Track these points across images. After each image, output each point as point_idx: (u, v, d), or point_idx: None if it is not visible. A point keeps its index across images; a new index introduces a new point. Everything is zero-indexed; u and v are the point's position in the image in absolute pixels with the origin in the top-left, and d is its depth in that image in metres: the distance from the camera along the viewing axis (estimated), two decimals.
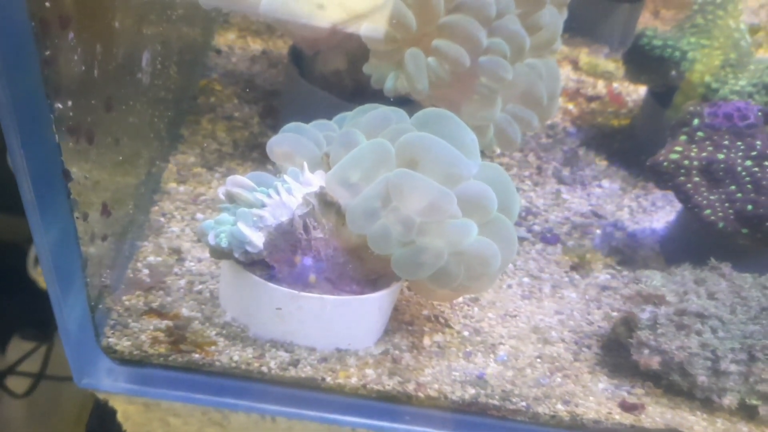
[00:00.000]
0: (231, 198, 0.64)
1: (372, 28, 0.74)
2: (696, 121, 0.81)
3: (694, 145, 0.80)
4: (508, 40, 0.74)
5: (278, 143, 0.66)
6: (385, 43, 0.74)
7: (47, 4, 0.44)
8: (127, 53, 0.64)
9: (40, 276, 1.31)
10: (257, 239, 0.62)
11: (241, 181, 0.64)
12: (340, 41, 0.81)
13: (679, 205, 0.86)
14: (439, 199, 0.60)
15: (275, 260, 0.63)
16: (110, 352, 0.66)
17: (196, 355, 0.66)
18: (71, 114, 0.52)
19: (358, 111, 0.67)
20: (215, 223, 0.63)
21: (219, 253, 0.64)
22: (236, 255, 0.63)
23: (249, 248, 0.62)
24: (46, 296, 1.29)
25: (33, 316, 1.31)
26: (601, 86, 1.11)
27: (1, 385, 1.29)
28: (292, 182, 0.63)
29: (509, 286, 0.80)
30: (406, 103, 0.74)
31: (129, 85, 0.66)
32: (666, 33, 0.94)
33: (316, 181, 0.64)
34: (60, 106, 0.50)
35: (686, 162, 0.79)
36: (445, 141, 0.62)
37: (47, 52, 0.46)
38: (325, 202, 0.63)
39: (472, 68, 0.74)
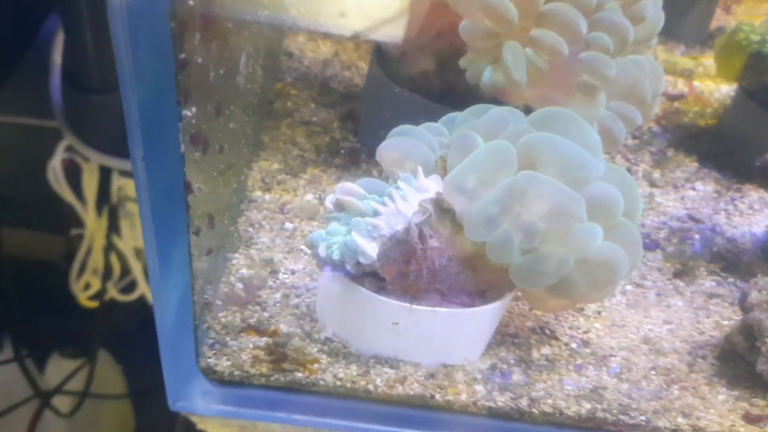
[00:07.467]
0: (340, 206, 0.61)
1: (469, 23, 0.70)
2: None
3: None
4: (611, 33, 0.70)
5: (388, 148, 0.61)
6: (485, 37, 0.70)
7: (191, 2, 0.40)
8: (232, 56, 0.60)
9: (81, 292, 1.28)
10: (371, 250, 0.58)
11: (351, 189, 0.60)
12: (429, 41, 0.78)
13: None
14: (568, 204, 0.56)
15: (388, 272, 0.60)
16: (210, 373, 0.63)
17: (300, 374, 0.63)
18: (194, 121, 0.48)
19: (469, 112, 0.64)
20: (326, 234, 0.59)
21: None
22: (348, 267, 0.59)
23: (362, 259, 0.58)
24: (88, 313, 1.26)
25: (73, 333, 1.29)
26: (681, 84, 1.07)
27: (48, 405, 1.27)
28: (407, 188, 0.59)
29: (613, 295, 0.76)
30: (499, 105, 0.70)
31: (231, 90, 0.62)
32: (760, 28, 0.90)
33: (432, 186, 0.60)
34: (188, 113, 0.46)
35: None
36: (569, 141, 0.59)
37: (182, 55, 0.42)
38: (442, 209, 0.60)
39: (572, 65, 0.71)
